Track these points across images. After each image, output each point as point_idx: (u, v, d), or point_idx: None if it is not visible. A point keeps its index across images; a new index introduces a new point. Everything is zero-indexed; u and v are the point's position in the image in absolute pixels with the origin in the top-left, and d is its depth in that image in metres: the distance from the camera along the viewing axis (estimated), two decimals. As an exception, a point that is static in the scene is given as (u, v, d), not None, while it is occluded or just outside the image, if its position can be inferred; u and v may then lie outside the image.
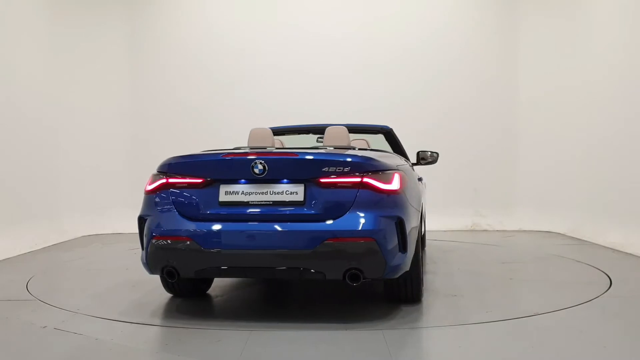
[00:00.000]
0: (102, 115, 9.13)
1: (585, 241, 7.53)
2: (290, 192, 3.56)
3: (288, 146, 6.21)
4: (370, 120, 6.70)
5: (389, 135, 5.69)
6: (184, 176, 3.74)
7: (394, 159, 4.06)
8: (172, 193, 3.74)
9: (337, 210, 3.48)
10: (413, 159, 5.86)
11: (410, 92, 9.23)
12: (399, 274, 3.62)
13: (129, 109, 9.43)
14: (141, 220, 3.85)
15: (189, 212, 3.67)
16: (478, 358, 3.04)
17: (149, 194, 3.84)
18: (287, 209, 3.54)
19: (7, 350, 3.22)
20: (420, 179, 6.03)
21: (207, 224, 3.59)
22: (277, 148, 4.41)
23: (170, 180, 3.76)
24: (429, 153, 5.79)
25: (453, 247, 7.18)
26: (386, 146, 5.82)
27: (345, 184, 3.50)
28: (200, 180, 3.68)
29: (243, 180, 3.62)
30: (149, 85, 9.55)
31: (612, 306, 4.06)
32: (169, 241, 3.64)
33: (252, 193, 3.60)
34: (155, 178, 3.85)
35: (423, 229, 6.33)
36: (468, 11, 9.39)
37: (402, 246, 3.57)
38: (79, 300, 4.31)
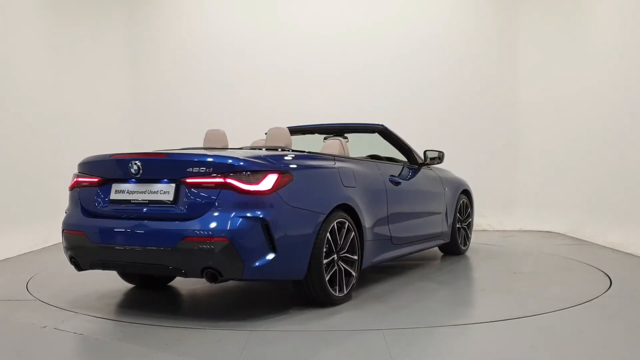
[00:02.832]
0: (102, 115, 9.12)
1: (585, 241, 7.53)
2: (163, 191, 3.73)
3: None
4: (370, 122, 6.68)
5: (384, 134, 5.63)
6: (87, 175, 4.08)
7: (283, 160, 3.89)
8: (80, 191, 4.10)
9: (200, 209, 3.58)
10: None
11: (411, 93, 9.23)
12: (272, 276, 3.72)
13: (129, 109, 9.43)
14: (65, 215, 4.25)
15: (88, 208, 4.01)
16: (478, 358, 3.04)
17: (69, 191, 4.22)
18: (160, 208, 3.72)
19: (7, 350, 3.21)
20: (438, 181, 5.99)
21: (97, 220, 3.93)
22: (180, 149, 4.43)
23: (79, 179, 4.13)
24: (435, 152, 5.77)
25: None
26: (384, 145, 5.78)
27: (208, 184, 3.61)
28: (97, 179, 4.00)
29: (132, 180, 3.85)
30: (148, 86, 9.55)
31: (612, 306, 4.06)
32: (71, 235, 4.01)
33: (135, 192, 3.83)
34: (73, 177, 4.22)
35: (455, 231, 6.25)
36: (468, 13, 9.40)
37: (272, 248, 3.59)
38: (79, 300, 4.31)
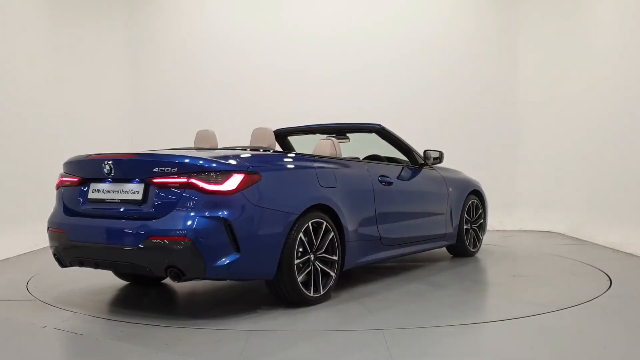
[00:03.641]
0: (102, 115, 9.12)
1: (585, 241, 7.53)
2: (134, 191, 3.80)
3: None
4: (368, 122, 6.68)
5: (382, 134, 5.59)
6: (70, 175, 4.18)
7: (251, 161, 3.88)
8: (64, 190, 4.22)
9: (165, 209, 3.63)
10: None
11: (411, 93, 9.23)
12: (238, 275, 3.75)
13: (129, 109, 9.42)
14: None
15: (70, 207, 4.13)
16: (478, 358, 3.04)
17: (56, 190, 4.33)
18: (131, 207, 3.79)
19: (7, 350, 3.21)
20: (442, 180, 5.93)
21: (76, 218, 4.04)
22: (166, 149, 4.46)
23: (63, 178, 4.24)
24: (436, 152, 5.72)
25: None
26: (387, 145, 5.76)
27: (173, 184, 3.65)
28: (77, 179, 4.11)
29: (108, 179, 3.93)
30: (148, 86, 9.55)
31: (612, 306, 4.05)
32: (54, 232, 4.14)
33: (109, 191, 3.92)
34: (58, 176, 4.31)
35: (468, 231, 6.22)
36: (468, 13, 9.41)
37: (236, 248, 3.59)
38: (79, 300, 4.31)
